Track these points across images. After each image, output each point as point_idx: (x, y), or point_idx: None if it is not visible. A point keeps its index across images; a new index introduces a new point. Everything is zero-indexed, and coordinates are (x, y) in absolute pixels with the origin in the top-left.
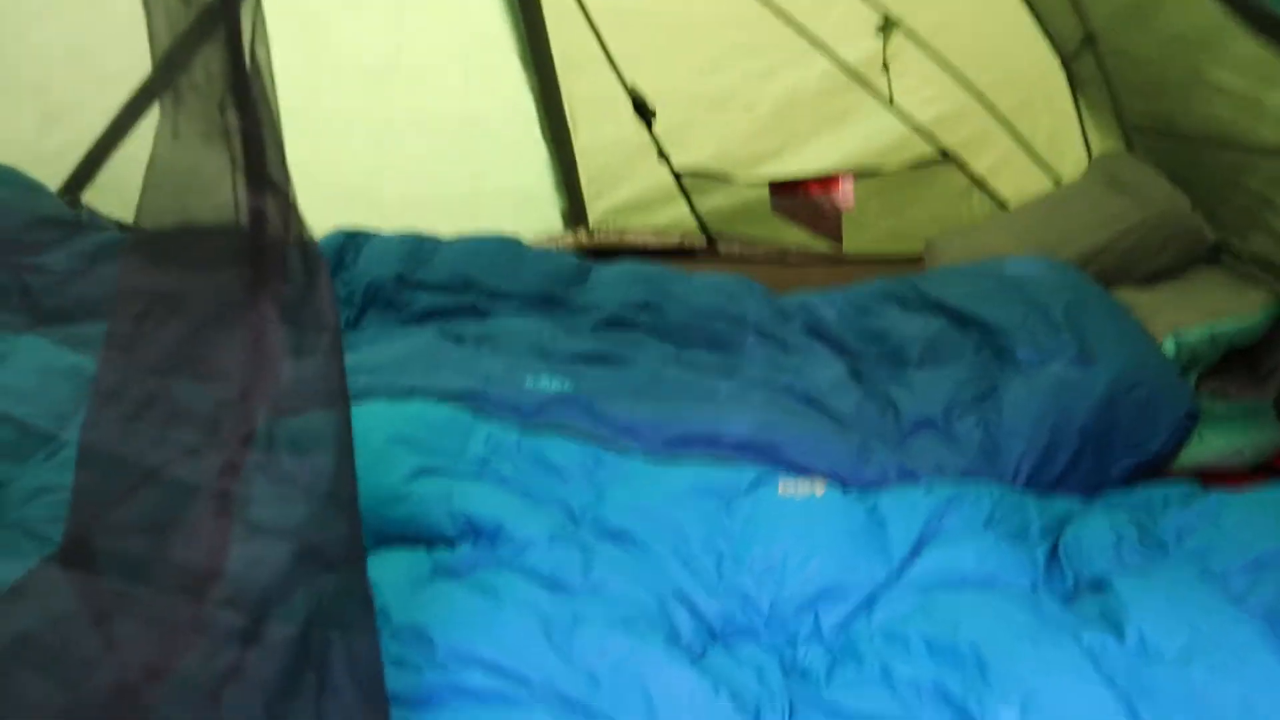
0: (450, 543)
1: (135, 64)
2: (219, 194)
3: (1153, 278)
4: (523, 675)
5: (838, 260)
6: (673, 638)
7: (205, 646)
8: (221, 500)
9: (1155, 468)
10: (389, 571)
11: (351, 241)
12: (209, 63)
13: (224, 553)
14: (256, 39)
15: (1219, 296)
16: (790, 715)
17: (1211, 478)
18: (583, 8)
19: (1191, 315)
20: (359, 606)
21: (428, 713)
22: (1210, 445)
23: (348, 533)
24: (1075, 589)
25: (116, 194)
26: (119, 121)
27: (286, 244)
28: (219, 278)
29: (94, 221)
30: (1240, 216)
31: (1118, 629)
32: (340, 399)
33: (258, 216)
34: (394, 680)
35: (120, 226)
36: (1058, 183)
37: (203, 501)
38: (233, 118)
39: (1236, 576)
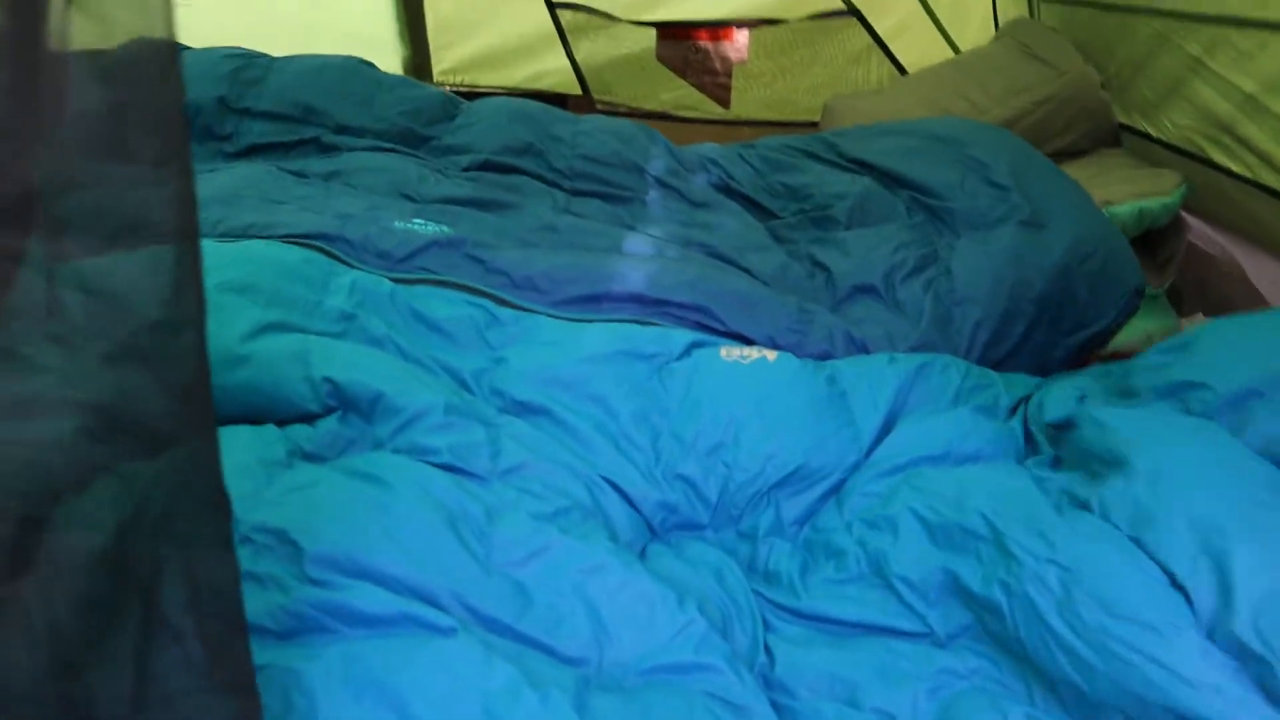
0: (309, 418)
1: None
2: None
3: (1056, 156)
4: (429, 590)
5: (726, 123)
6: (611, 537)
7: None
8: None
9: (1094, 349)
10: (230, 455)
11: None
12: None
13: None
14: None
15: (1134, 176)
16: (764, 630)
17: None
18: None
19: (1117, 192)
20: (205, 506)
21: (301, 646)
22: (1128, 330)
23: (189, 393)
24: (1057, 464)
25: None
26: None
27: None
28: None
29: None
30: (1157, 90)
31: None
32: (180, 176)
33: None
34: (250, 603)
35: None
36: (956, 52)
37: None
38: None
39: (1224, 416)
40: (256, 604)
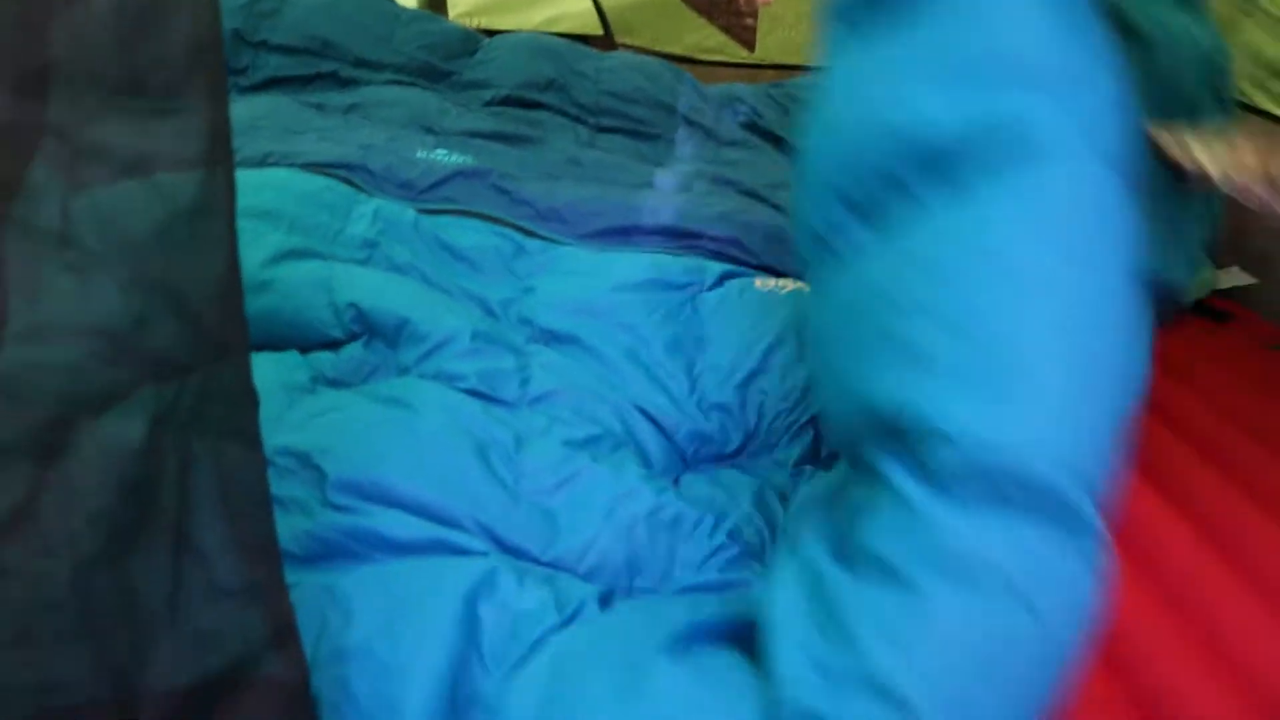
0: (333, 344)
1: None
2: None
3: None
4: (454, 517)
5: (750, 67)
6: (644, 464)
7: None
8: None
9: None
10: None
11: None
12: None
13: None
14: None
15: None
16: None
17: None
18: None
19: None
20: (238, 405)
21: (322, 571)
22: None
23: (224, 298)
24: None
25: None
26: None
27: None
28: None
29: None
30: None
31: None
32: (214, 80)
33: None
34: None
35: None
36: None
37: None
38: None
39: None
40: (280, 528)
